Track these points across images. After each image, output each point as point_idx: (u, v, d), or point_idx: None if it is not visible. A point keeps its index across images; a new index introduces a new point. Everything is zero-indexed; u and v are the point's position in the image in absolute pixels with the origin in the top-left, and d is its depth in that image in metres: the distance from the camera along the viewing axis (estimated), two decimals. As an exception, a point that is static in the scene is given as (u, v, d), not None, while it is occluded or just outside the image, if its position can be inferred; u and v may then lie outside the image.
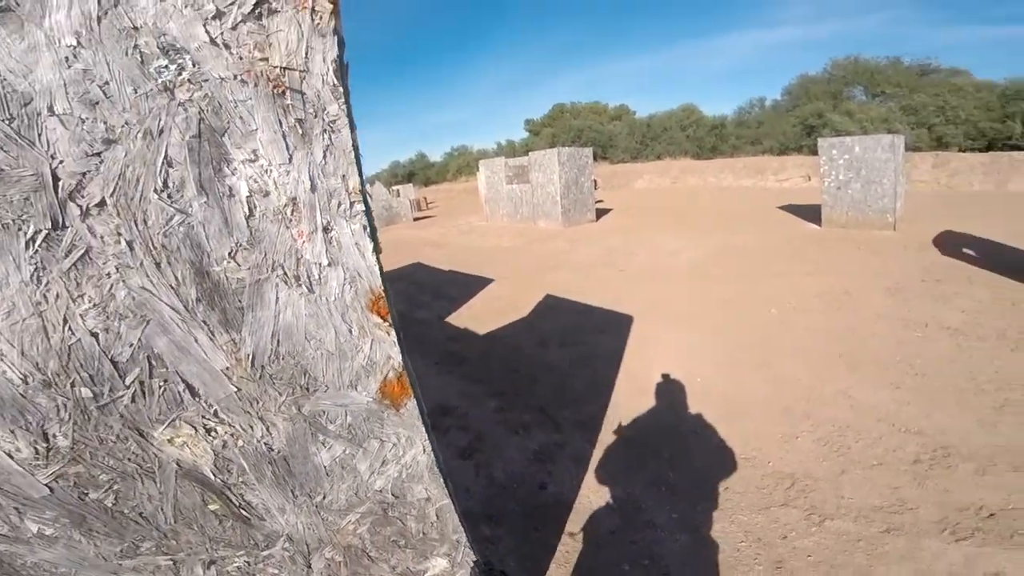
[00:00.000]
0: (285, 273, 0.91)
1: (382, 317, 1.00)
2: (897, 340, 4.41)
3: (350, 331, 0.99)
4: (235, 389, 0.91)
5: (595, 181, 15.84)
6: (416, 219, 22.28)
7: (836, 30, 62.00)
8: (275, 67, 0.83)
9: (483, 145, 44.09)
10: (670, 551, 2.42)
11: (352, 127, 0.94)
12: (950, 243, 7.83)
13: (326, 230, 0.92)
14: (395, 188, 29.92)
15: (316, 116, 0.88)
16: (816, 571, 2.23)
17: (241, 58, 0.81)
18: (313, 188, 0.90)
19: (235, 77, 0.81)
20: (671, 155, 28.94)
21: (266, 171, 0.87)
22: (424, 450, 1.16)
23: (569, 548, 2.50)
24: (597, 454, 3.20)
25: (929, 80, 22.22)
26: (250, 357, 0.91)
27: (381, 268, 1.02)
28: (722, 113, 30.02)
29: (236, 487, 0.96)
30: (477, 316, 6.55)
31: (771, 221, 11.55)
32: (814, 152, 19.76)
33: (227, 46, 0.79)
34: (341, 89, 0.89)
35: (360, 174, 0.96)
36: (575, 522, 2.64)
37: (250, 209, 0.87)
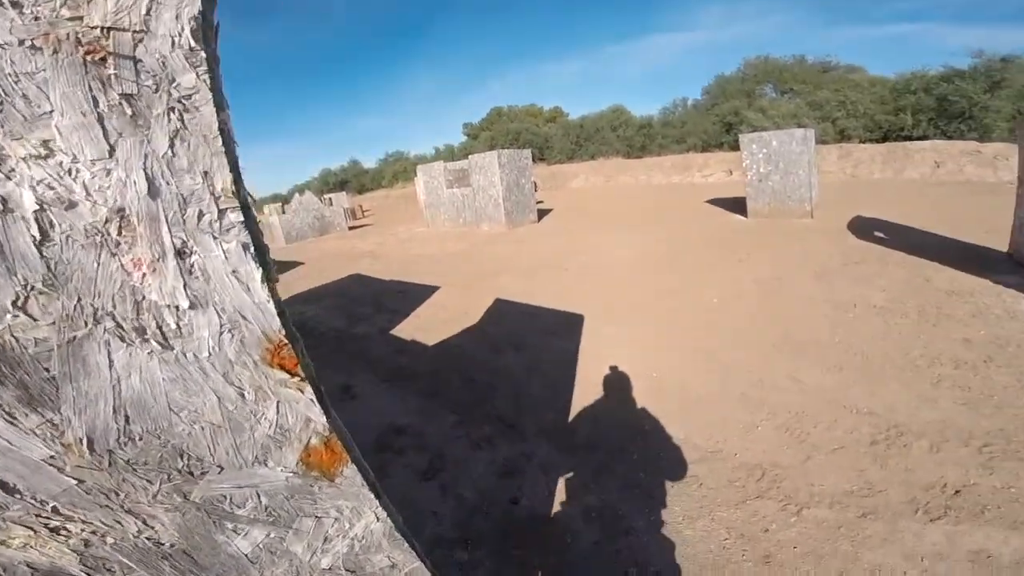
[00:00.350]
0: (118, 324, 0.64)
1: (288, 371, 0.75)
2: (831, 322, 4.63)
3: (241, 395, 0.73)
4: (73, 481, 0.66)
5: (535, 183, 15.92)
6: (352, 228, 21.50)
7: (746, 31, 66.68)
8: (93, 28, 0.59)
9: (420, 150, 43.54)
10: (656, 555, 2.33)
11: (220, 105, 0.68)
12: (863, 227, 8.45)
13: (181, 254, 0.66)
14: (327, 196, 28.78)
15: (158, 90, 0.63)
16: (805, 562, 2.20)
17: (37, 18, 0.57)
18: (154, 193, 0.64)
19: (21, 43, 0.57)
20: (604, 155, 29.80)
21: (68, 171, 0.60)
22: (377, 518, 0.95)
23: (551, 564, 2.36)
24: (565, 461, 3.09)
25: (830, 76, 24.22)
26: (84, 441, 0.66)
27: (279, 304, 0.76)
28: (649, 113, 31.46)
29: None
30: (425, 326, 6.29)
31: (701, 215, 12.06)
32: (734, 148, 20.92)
33: (15, 3, 0.56)
34: (203, 54, 0.64)
35: (236, 170, 0.70)
36: (554, 536, 2.51)
37: (43, 231, 0.60)
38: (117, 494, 0.69)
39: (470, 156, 14.02)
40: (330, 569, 0.92)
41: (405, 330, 6.27)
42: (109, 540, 0.70)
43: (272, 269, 0.75)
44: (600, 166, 27.68)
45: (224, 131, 0.68)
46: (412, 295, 7.99)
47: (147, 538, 0.73)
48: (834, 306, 5.02)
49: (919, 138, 18.16)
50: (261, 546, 0.84)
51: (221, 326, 0.70)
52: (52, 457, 0.64)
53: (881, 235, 7.75)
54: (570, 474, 2.96)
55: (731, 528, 2.44)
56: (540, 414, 3.69)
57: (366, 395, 4.47)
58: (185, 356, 0.68)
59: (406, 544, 1.02)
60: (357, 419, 4.02)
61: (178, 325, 0.67)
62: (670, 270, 7.26)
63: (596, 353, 4.66)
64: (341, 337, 6.37)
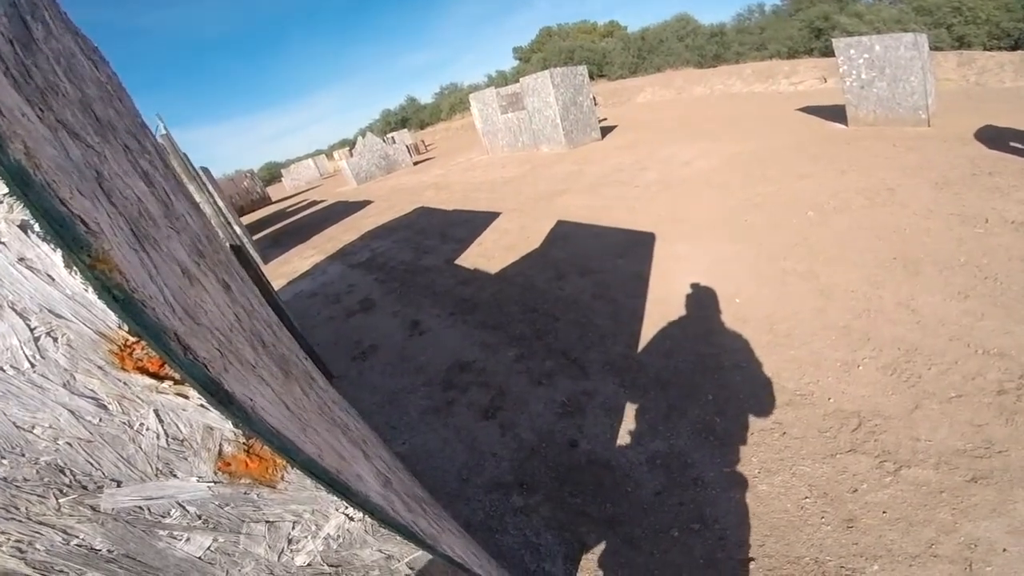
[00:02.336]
0: None
1: (152, 374, 0.57)
2: (956, 238, 3.91)
3: (100, 406, 0.58)
4: None
5: (594, 99, 14.82)
6: (416, 163, 21.52)
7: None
8: None
9: (473, 80, 42.25)
10: (724, 511, 2.13)
11: None
12: (995, 137, 7.03)
13: None
14: (390, 136, 28.84)
15: None
16: (894, 529, 1.91)
17: None
18: None
19: None
20: (671, 66, 27.24)
21: None
22: (350, 517, 0.82)
23: (609, 514, 2.23)
24: (631, 401, 2.88)
25: None
26: None
27: (121, 288, 0.56)
28: (720, 21, 28.16)
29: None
30: (486, 255, 6.15)
31: (790, 124, 10.65)
32: (826, 54, 18.56)
33: None
34: None
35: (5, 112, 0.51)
36: (614, 484, 2.36)
37: None
38: (16, 508, 0.58)
39: (521, 79, 13.16)
40: (309, 565, 0.83)
41: (469, 259, 6.18)
42: (40, 547, 0.62)
43: (93, 245, 0.53)
44: (668, 78, 25.29)
45: None
46: (475, 223, 7.85)
47: (77, 545, 0.64)
48: (961, 220, 4.23)
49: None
50: (213, 549, 0.74)
51: (32, 330, 0.52)
52: None
53: (1019, 145, 6.42)
54: (635, 415, 2.76)
55: (813, 486, 2.16)
56: (606, 346, 3.47)
57: (434, 329, 4.46)
58: (2, 370, 0.52)
59: (399, 536, 0.88)
60: (426, 356, 4.03)
61: None
62: (755, 183, 6.48)
63: (669, 276, 4.30)
64: (410, 270, 6.41)
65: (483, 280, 5.33)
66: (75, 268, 0.52)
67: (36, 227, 0.50)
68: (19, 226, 0.49)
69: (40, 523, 0.60)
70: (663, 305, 3.85)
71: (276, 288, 7.20)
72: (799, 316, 3.34)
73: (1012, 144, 6.58)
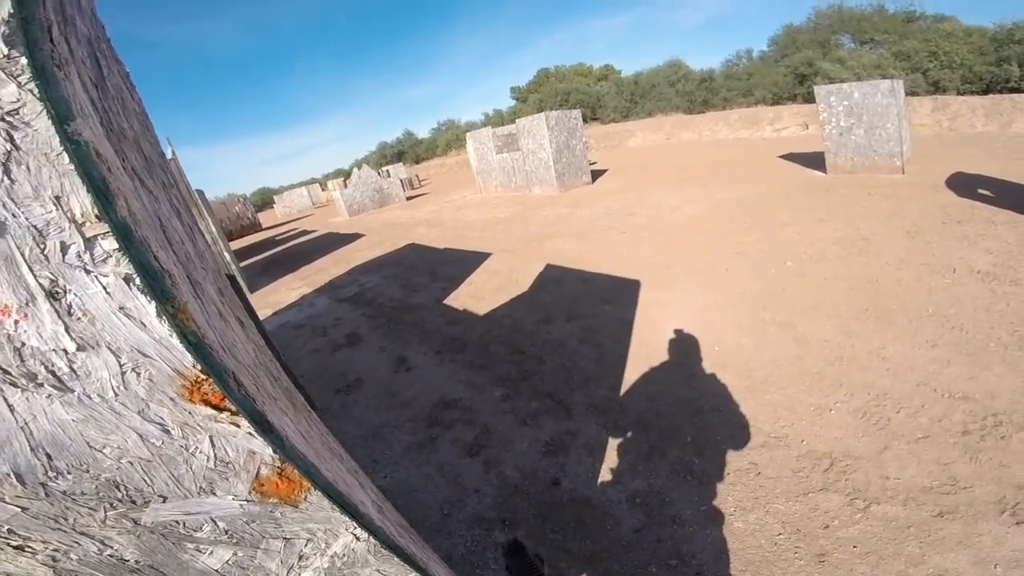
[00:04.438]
0: (5, 372, 0.60)
1: (214, 406, 0.69)
2: (926, 288, 4.11)
3: (166, 431, 0.68)
4: (18, 508, 0.64)
5: (586, 143, 15.32)
6: (409, 198, 21.83)
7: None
8: None
9: (470, 117, 43.43)
10: (701, 548, 2.19)
11: (66, 116, 0.56)
12: (964, 184, 7.43)
13: (54, 295, 0.58)
14: (385, 169, 29.38)
15: None
16: (864, 563, 2.00)
17: None
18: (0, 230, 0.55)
19: None
20: (662, 111, 28.27)
21: None
22: (357, 537, 0.90)
23: (589, 551, 2.27)
24: (613, 441, 2.95)
25: (916, 26, 22.08)
26: (12, 476, 0.63)
27: (193, 334, 0.66)
28: (709, 67, 29.36)
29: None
30: (477, 294, 6.26)
31: (773, 170, 11.11)
32: (809, 100, 19.40)
33: None
34: (23, 61, 0.53)
35: (103, 189, 0.58)
36: (594, 521, 2.41)
37: None
38: (65, 519, 0.66)
39: (517, 120, 13.63)
40: None
41: (458, 299, 6.27)
42: (74, 556, 0.70)
43: (177, 297, 0.64)
44: (658, 123, 26.24)
45: (77, 144, 0.56)
46: (466, 262, 7.98)
47: (110, 555, 0.71)
48: (930, 270, 4.45)
49: (1029, 90, 16.09)
50: (230, 563, 0.81)
51: (121, 366, 0.62)
52: None
53: (987, 193, 6.78)
54: (617, 455, 2.82)
55: (787, 523, 2.24)
56: (590, 389, 3.55)
57: (420, 366, 4.51)
58: (89, 397, 0.62)
59: (397, 559, 0.96)
60: (412, 392, 4.07)
61: (71, 368, 0.61)
62: (737, 231, 6.74)
63: (653, 322, 4.43)
64: (398, 307, 6.48)
65: (472, 320, 5.42)
66: (164, 317, 0.62)
67: (137, 280, 0.60)
68: (124, 279, 0.59)
69: (83, 533, 0.68)
70: (647, 350, 3.97)
71: (262, 318, 7.22)
72: (776, 363, 3.46)
73: (980, 191, 6.93)
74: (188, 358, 0.65)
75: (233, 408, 0.69)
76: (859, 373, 3.16)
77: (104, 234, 0.58)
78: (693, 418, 3.02)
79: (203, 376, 0.66)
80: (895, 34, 21.95)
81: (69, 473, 0.64)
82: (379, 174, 21.96)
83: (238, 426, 0.70)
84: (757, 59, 27.62)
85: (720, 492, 2.45)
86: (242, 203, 25.48)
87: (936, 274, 4.36)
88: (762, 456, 2.63)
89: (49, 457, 0.61)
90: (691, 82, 28.04)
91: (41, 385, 0.59)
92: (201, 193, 11.99)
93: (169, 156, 4.52)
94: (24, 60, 0.53)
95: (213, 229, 8.81)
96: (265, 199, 46.13)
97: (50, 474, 0.62)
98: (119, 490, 0.67)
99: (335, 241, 13.74)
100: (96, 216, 0.57)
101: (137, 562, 0.73)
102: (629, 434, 2.99)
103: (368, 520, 0.91)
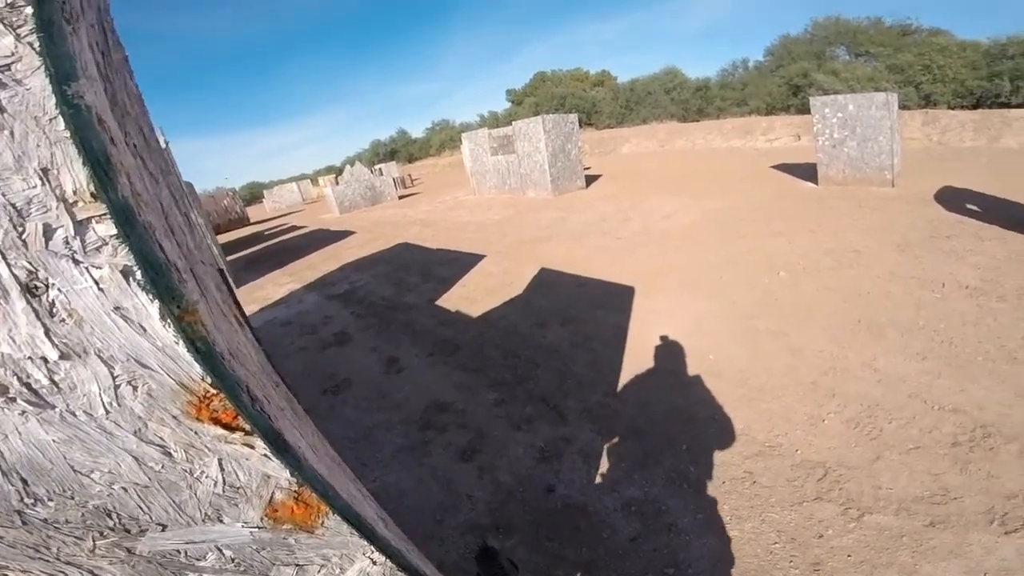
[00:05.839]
0: None
1: (225, 425, 0.59)
2: (916, 302, 4.16)
3: (167, 454, 0.58)
4: None
5: (581, 148, 15.38)
6: (401, 197, 21.73)
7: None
8: None
9: (465, 118, 43.32)
10: (696, 557, 2.18)
11: (67, 75, 0.46)
12: (952, 198, 7.56)
13: (31, 290, 0.47)
14: (378, 167, 29.23)
15: None
16: (858, 572, 2.02)
17: None
18: None
19: None
20: (656, 119, 28.46)
21: None
22: (374, 562, 0.83)
23: (584, 559, 2.25)
24: (608, 448, 2.94)
25: (911, 40, 22.34)
26: None
27: (203, 340, 0.56)
28: (705, 75, 29.58)
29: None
30: (469, 296, 6.23)
31: (765, 180, 11.22)
32: (802, 111, 19.58)
33: None
34: (27, 11, 0.44)
35: (103, 162, 0.48)
36: (590, 529, 2.39)
37: None
38: (47, 548, 0.58)
39: (514, 122, 13.64)
40: None
41: (451, 300, 6.23)
42: None
43: (185, 296, 0.54)
44: (653, 130, 26.43)
45: (75, 109, 0.46)
46: (458, 263, 7.95)
47: None
48: (920, 284, 4.51)
49: (1018, 105, 16.32)
50: None
51: (115, 378, 0.53)
52: None
53: (975, 208, 6.90)
54: (612, 462, 2.81)
55: (782, 531, 2.24)
56: (584, 395, 3.54)
57: (412, 368, 4.47)
58: (74, 415, 0.53)
59: None
60: (403, 394, 4.03)
61: (52, 380, 0.51)
62: (731, 240, 6.78)
63: (647, 329, 4.43)
64: (390, 306, 6.42)
65: (465, 322, 5.39)
66: (169, 320, 0.52)
67: (138, 274, 0.50)
68: (122, 272, 0.49)
69: (68, 563, 0.60)
70: (640, 356, 3.97)
71: (248, 314, 7.13)
72: (770, 372, 3.48)
73: (968, 206, 7.05)
74: (196, 369, 0.55)
75: (247, 428, 0.60)
76: (852, 383, 3.19)
77: (100, 216, 0.48)
78: (688, 426, 3.02)
79: (213, 391, 0.57)
80: (890, 47, 22.19)
81: (50, 500, 0.55)
82: (372, 172, 21.85)
83: (252, 447, 0.62)
84: (753, 69, 27.82)
85: (716, 501, 2.45)
86: (231, 197, 25.19)
87: (925, 288, 4.42)
88: (757, 465, 2.64)
89: (25, 483, 0.53)
90: (686, 90, 28.24)
91: (13, 400, 0.50)
92: (190, 185, 11.83)
93: (163, 145, 4.42)
94: (29, 10, 0.45)
95: (202, 223, 8.69)
96: (255, 193, 45.66)
97: (27, 500, 0.54)
98: (110, 518, 0.59)
99: (326, 237, 13.62)
100: (92, 194, 0.48)
101: None
102: (624, 441, 2.98)
103: (385, 543, 0.86)
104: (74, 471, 0.55)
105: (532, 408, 3.47)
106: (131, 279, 0.50)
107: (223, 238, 19.57)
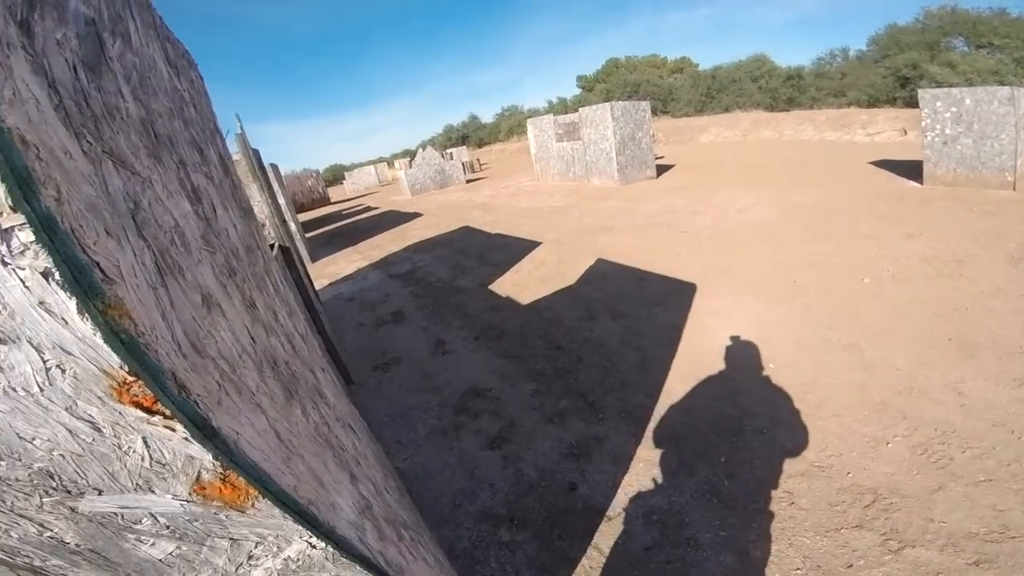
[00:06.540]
0: None
1: (145, 408, 0.64)
2: (1023, 322, 3.61)
3: (96, 429, 0.65)
4: None
5: (652, 135, 14.79)
6: (469, 181, 22.06)
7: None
8: None
9: (534, 104, 42.97)
10: (710, 575, 2.03)
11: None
12: (1089, 203, 6.51)
13: None
14: (448, 151, 29.79)
15: None
16: None
17: None
18: None
19: None
20: (740, 107, 26.75)
21: None
22: (313, 546, 0.87)
23: (594, 563, 2.16)
24: (641, 453, 2.81)
25: None
26: None
27: (126, 332, 0.62)
28: (798, 64, 27.22)
29: (51, 570, 0.75)
30: (522, 283, 6.20)
31: (860, 177, 10.20)
32: (910, 104, 17.72)
33: None
34: None
35: (24, 172, 0.53)
36: (605, 533, 2.29)
37: None
38: (3, 502, 0.66)
39: (580, 109, 13.30)
40: None
41: (503, 286, 6.23)
42: (14, 535, 0.69)
43: (106, 293, 0.60)
44: (735, 119, 24.91)
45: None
46: (514, 249, 7.93)
47: (49, 537, 0.71)
48: (1029, 301, 3.92)
49: None
50: (174, 555, 0.79)
51: (45, 362, 0.59)
52: None
53: (1116, 213, 5.91)
54: (642, 467, 2.68)
55: (808, 557, 2.05)
56: (625, 394, 3.41)
57: (458, 351, 4.52)
58: (15, 390, 0.60)
59: (358, 566, 0.93)
60: (445, 377, 4.08)
61: None
62: (811, 240, 6.23)
63: (705, 331, 4.18)
64: (445, 288, 6.54)
65: (513, 309, 5.36)
66: (87, 314, 0.58)
67: (57, 275, 0.56)
68: (42, 273, 0.56)
69: (20, 516, 0.68)
70: (693, 360, 3.74)
71: (318, 288, 7.52)
72: (835, 387, 3.16)
73: (1105, 221, 6.04)
74: (114, 358, 0.60)
75: (167, 412, 0.65)
76: (928, 407, 2.82)
77: (20, 226, 0.54)
78: (731, 437, 2.81)
79: (132, 378, 0.62)
80: (1018, 39, 19.62)
81: (1, 460, 0.63)
82: (442, 156, 22.33)
83: (173, 430, 0.67)
84: (853, 58, 25.42)
85: (744, 519, 2.27)
86: (315, 178, 26.69)
87: (1038, 305, 3.82)
88: (799, 485, 2.41)
89: None
90: (776, 78, 26.28)
91: None
92: (274, 167, 12.64)
93: (237, 131, 4.70)
94: None
95: (280, 201, 9.24)
96: (336, 175, 48.00)
97: None
98: (53, 480, 0.66)
99: (395, 219, 14.10)
100: (11, 207, 0.53)
101: (78, 545, 0.73)
102: (659, 447, 2.83)
103: (328, 529, 0.87)
104: (19, 437, 0.62)
105: (568, 402, 3.38)
106: (50, 279, 0.56)
107: (305, 216, 20.84)
